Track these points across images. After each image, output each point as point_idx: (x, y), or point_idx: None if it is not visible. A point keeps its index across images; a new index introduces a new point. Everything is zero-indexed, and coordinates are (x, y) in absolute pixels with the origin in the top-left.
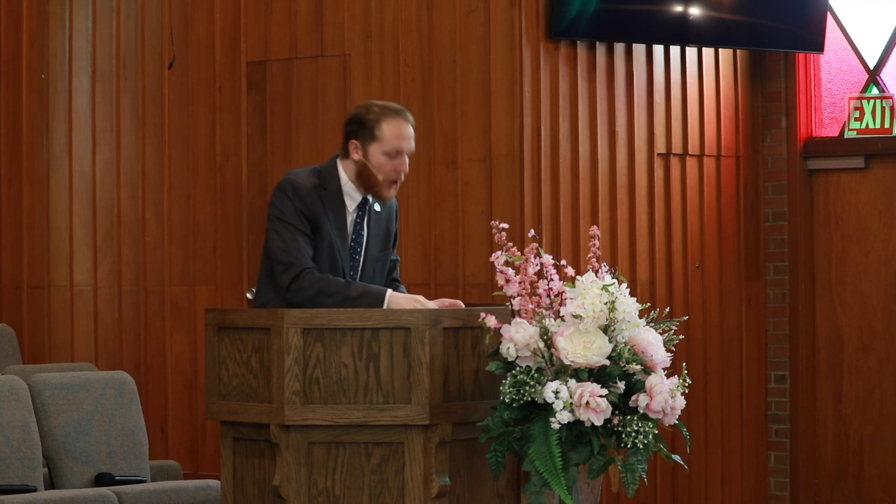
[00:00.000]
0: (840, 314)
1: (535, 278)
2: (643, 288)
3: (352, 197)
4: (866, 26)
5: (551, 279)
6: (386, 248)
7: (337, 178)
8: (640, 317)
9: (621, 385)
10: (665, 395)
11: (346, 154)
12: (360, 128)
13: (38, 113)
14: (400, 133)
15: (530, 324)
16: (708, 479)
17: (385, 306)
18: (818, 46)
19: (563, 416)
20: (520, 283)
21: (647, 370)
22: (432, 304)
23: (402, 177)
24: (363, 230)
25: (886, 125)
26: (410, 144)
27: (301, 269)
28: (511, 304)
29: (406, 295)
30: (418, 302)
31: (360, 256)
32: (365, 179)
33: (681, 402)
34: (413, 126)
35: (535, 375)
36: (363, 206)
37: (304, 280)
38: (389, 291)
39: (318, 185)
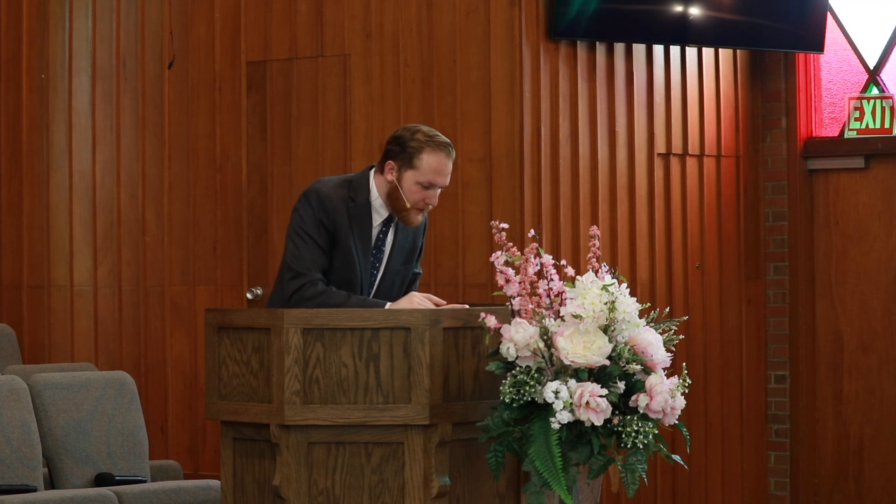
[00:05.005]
0: (840, 314)
1: (535, 278)
2: (643, 288)
3: (379, 213)
4: (866, 26)
5: (551, 279)
6: (409, 262)
7: (367, 191)
8: (640, 317)
9: (621, 385)
10: (665, 395)
11: (381, 170)
12: (400, 150)
13: (38, 113)
14: (438, 168)
15: (530, 324)
16: (708, 479)
17: None
18: (818, 46)
19: (563, 416)
20: (520, 283)
21: (647, 370)
22: (429, 304)
23: (430, 207)
24: (385, 244)
25: (886, 125)
26: (446, 180)
27: (306, 280)
28: (511, 304)
29: (402, 300)
30: (412, 303)
31: (378, 270)
32: (394, 202)
33: (681, 402)
34: (453, 161)
35: (535, 375)
36: (388, 222)
37: (307, 291)
38: (388, 304)
39: (347, 196)
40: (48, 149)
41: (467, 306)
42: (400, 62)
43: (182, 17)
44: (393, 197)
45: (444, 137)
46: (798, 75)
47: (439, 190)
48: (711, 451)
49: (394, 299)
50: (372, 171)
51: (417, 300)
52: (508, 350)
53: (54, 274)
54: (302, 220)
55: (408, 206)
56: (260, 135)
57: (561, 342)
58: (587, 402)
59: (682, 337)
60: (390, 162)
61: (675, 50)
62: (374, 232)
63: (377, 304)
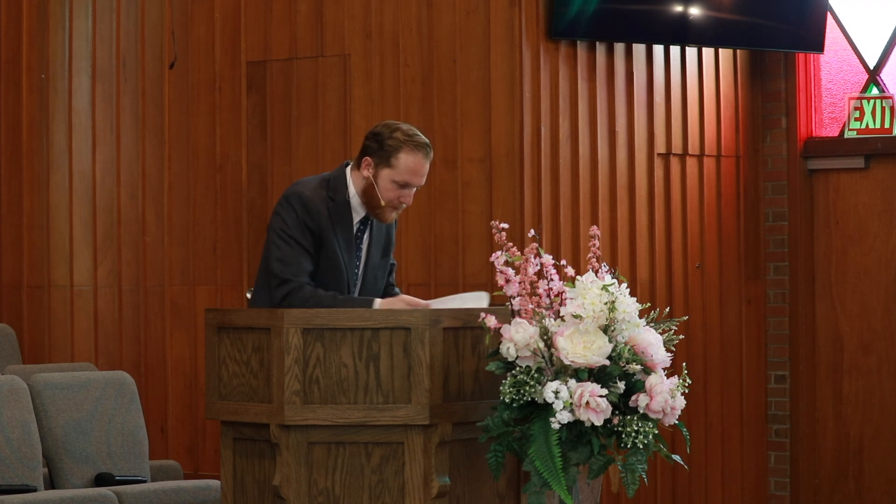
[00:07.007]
0: (840, 314)
1: (535, 278)
2: (643, 288)
3: (357, 211)
4: (866, 26)
5: (551, 279)
6: (386, 255)
7: (345, 189)
8: (640, 317)
9: (621, 385)
10: (665, 395)
11: (358, 166)
12: (378, 148)
13: (38, 113)
14: (415, 169)
15: (530, 324)
16: (708, 479)
17: None
18: (818, 46)
19: (563, 416)
20: (520, 283)
21: (647, 370)
22: (422, 303)
23: (404, 206)
24: (363, 241)
25: (886, 125)
26: (422, 180)
27: (293, 286)
28: (511, 304)
29: (392, 299)
30: (403, 302)
31: (358, 267)
32: (369, 199)
33: (681, 402)
34: (430, 161)
35: (535, 375)
36: (366, 220)
37: (295, 298)
38: (377, 301)
39: (327, 197)
40: (48, 149)
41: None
42: (400, 62)
43: (182, 17)
44: (368, 194)
45: (423, 137)
46: (798, 75)
47: (414, 189)
48: (711, 451)
49: (377, 292)
50: (349, 168)
51: (408, 300)
52: (508, 350)
53: (54, 274)
54: (285, 223)
55: (382, 203)
56: (260, 135)
57: (561, 342)
58: (587, 402)
59: (682, 337)
60: (367, 158)
61: (675, 50)
62: (354, 229)
63: (365, 303)
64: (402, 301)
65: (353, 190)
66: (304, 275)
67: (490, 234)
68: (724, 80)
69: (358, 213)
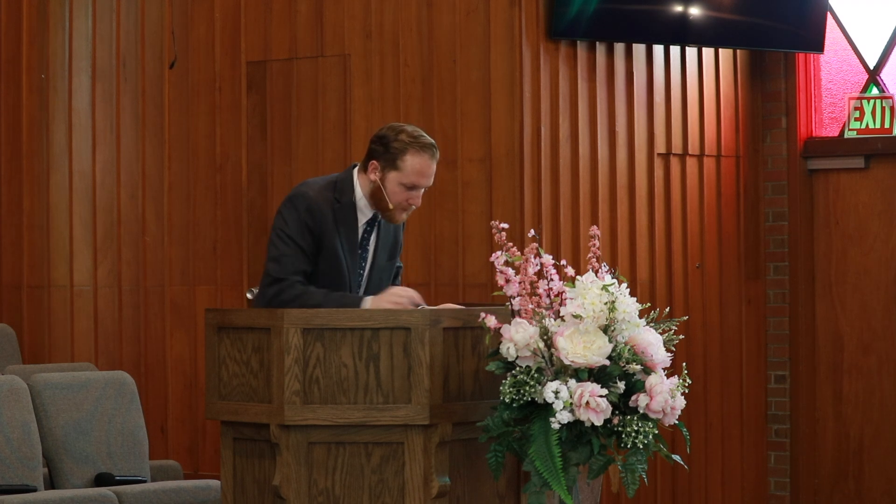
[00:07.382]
0: (840, 314)
1: (535, 278)
2: (643, 288)
3: (363, 212)
4: (866, 26)
5: (551, 279)
6: (393, 258)
7: (352, 191)
8: (640, 317)
9: (621, 385)
10: (665, 395)
11: (364, 169)
12: (384, 151)
13: (38, 113)
14: (422, 170)
15: (530, 324)
16: (708, 479)
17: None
18: (818, 46)
19: (563, 416)
20: (520, 283)
21: (647, 370)
22: (410, 294)
23: (413, 207)
24: (369, 243)
25: (886, 125)
26: (429, 181)
27: (284, 284)
28: (511, 304)
29: (380, 296)
30: (390, 302)
31: (364, 269)
32: (377, 202)
33: (681, 402)
34: (437, 161)
35: (535, 375)
36: (373, 221)
37: (285, 294)
38: (366, 299)
39: (333, 198)
40: (48, 149)
41: (453, 306)
42: (400, 62)
43: (182, 17)
44: (376, 197)
45: (428, 138)
46: (798, 75)
47: (423, 190)
48: (711, 451)
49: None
50: (356, 170)
51: (397, 291)
52: (508, 350)
53: (54, 274)
54: (285, 223)
55: (391, 206)
56: (260, 135)
57: (561, 342)
58: (587, 402)
59: (682, 337)
60: (374, 162)
61: (675, 50)
62: (360, 231)
63: (354, 300)
64: (389, 301)
65: (359, 192)
66: (298, 274)
67: (490, 234)
68: (724, 80)
69: (364, 215)
